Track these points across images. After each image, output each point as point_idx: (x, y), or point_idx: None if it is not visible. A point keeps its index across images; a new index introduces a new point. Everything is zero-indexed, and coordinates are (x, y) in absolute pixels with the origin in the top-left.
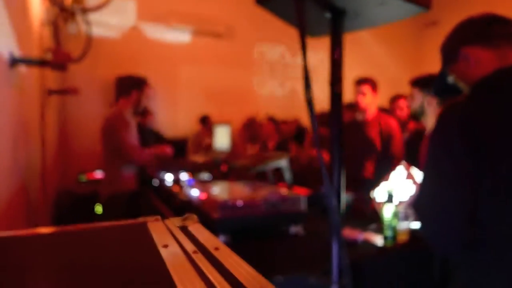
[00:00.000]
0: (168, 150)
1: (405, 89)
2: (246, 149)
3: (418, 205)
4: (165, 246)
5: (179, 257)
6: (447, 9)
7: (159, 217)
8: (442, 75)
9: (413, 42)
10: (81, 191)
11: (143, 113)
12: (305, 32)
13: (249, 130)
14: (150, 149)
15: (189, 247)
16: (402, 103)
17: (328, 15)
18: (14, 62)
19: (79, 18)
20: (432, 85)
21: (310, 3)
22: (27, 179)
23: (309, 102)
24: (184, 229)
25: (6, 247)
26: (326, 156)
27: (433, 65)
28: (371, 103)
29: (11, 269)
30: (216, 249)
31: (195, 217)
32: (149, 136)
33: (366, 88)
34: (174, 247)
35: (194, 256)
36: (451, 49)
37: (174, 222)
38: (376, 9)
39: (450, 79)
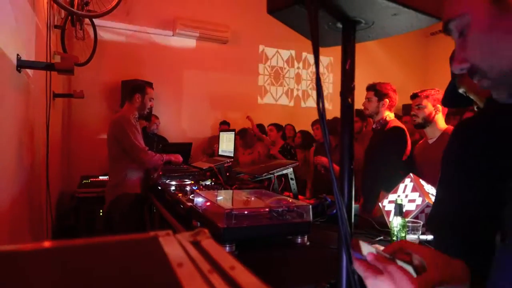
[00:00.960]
0: (180, 158)
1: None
2: (239, 155)
3: (433, 219)
4: (180, 264)
5: (195, 277)
6: None
7: (170, 231)
8: (452, 85)
9: (419, 50)
10: (85, 194)
11: (148, 118)
12: (318, 42)
13: (243, 139)
14: (163, 154)
15: (204, 266)
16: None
17: (339, 25)
18: (21, 65)
19: (86, 22)
20: (442, 96)
21: (321, 13)
22: (31, 181)
23: (321, 113)
24: (196, 245)
25: (9, 263)
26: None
27: (438, 73)
28: (377, 109)
29: (14, 286)
30: (232, 268)
31: (206, 231)
32: (154, 140)
33: (370, 94)
34: (188, 266)
35: (209, 276)
36: None
37: (186, 237)
38: (389, 20)
39: (461, 90)
